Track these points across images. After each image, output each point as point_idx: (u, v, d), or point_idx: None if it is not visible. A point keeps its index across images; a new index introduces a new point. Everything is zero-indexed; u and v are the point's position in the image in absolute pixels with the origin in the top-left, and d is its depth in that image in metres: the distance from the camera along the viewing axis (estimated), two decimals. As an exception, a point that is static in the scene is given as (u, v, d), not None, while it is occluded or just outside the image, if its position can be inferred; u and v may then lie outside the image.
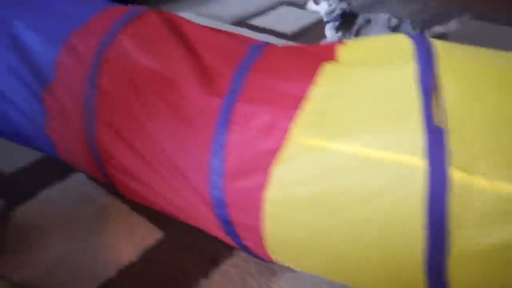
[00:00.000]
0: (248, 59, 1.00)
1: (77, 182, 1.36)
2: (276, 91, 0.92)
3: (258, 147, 0.90)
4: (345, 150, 0.81)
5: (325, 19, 1.81)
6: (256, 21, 2.38)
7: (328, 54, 1.00)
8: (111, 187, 1.21)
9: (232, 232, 0.98)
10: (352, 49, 1.01)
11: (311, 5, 1.84)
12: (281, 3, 2.58)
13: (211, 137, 0.93)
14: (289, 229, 0.88)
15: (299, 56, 1.02)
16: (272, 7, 2.53)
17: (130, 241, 1.17)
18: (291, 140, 0.86)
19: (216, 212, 0.95)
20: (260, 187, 0.88)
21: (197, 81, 0.99)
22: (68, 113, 1.12)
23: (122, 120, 1.04)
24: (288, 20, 2.38)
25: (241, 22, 2.37)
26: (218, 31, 1.13)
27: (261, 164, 0.89)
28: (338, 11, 1.77)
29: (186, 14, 2.47)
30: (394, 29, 1.72)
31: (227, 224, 0.96)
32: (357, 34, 1.77)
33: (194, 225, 1.10)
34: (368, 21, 1.76)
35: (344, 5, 1.77)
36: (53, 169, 1.41)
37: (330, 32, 1.81)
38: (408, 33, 1.11)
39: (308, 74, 0.93)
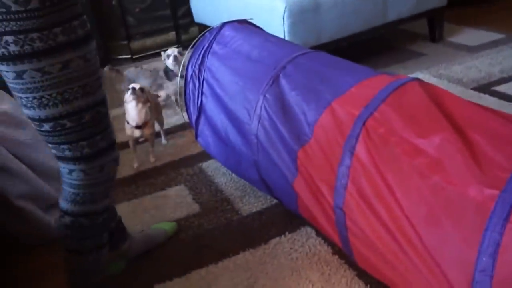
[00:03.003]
0: (533, 149, 0.87)
1: (307, 236, 1.39)
2: None
3: (540, 257, 0.76)
4: None
5: None
6: (503, 88, 2.15)
7: None
8: (339, 248, 1.19)
9: None
10: None
11: None
12: (535, 69, 2.29)
13: (480, 232, 0.83)
14: None
15: None
16: (524, 73, 2.27)
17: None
18: None
19: (471, 317, 0.84)
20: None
21: (466, 166, 0.90)
22: (319, 174, 1.15)
23: (374, 191, 1.02)
24: (543, 89, 2.10)
25: (485, 88, 2.17)
26: (492, 111, 1.03)
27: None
28: None
29: (422, 75, 2.39)
30: None
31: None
32: None
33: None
34: None
35: None
36: (285, 218, 1.48)
37: None
38: None
39: None
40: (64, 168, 0.94)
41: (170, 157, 1.93)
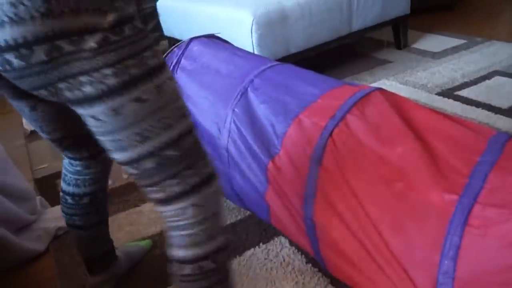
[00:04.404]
0: (489, 154, 0.92)
1: (281, 246, 1.41)
2: (524, 196, 0.82)
3: (497, 259, 0.80)
4: None
5: None
6: (465, 92, 2.23)
7: None
8: (313, 256, 1.22)
9: None
10: None
11: None
12: (496, 73, 2.38)
13: (442, 236, 0.87)
14: None
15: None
16: (485, 77, 2.35)
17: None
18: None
19: (438, 319, 0.87)
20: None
21: (428, 173, 0.94)
22: (288, 185, 1.17)
23: (342, 200, 1.05)
24: (503, 92, 2.18)
25: (449, 93, 2.25)
26: (451, 118, 1.08)
27: (499, 279, 0.79)
28: None
29: (389, 82, 2.46)
30: None
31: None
32: None
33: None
34: None
35: None
36: (259, 229, 1.49)
37: None
38: None
39: None
40: (171, 211, 0.81)
41: (143, 172, 1.93)
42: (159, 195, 0.80)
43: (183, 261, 0.83)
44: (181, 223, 0.81)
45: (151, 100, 0.73)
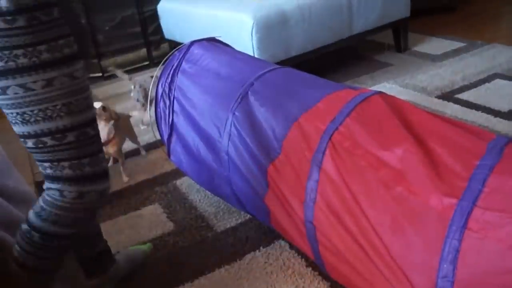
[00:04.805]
0: (488, 158, 0.92)
1: (281, 249, 1.41)
2: (523, 200, 0.83)
3: (497, 262, 0.80)
4: None
5: None
6: (465, 95, 2.23)
7: None
8: (312, 260, 1.22)
9: None
10: None
11: None
12: (496, 76, 2.38)
13: (441, 239, 0.87)
14: None
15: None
16: (485, 80, 2.35)
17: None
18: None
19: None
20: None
21: (427, 176, 0.94)
22: (288, 188, 1.18)
23: (342, 204, 1.05)
24: (503, 95, 2.18)
25: (448, 96, 2.25)
26: (450, 121, 1.08)
27: (499, 282, 0.79)
28: None
29: (389, 85, 2.46)
30: None
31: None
32: None
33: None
34: None
35: None
36: (259, 233, 1.50)
37: None
38: None
39: None
40: (46, 186, 0.95)
41: (144, 175, 1.94)
42: (40, 169, 0.93)
43: (25, 220, 0.97)
44: (45, 196, 0.94)
45: (36, 90, 0.82)
